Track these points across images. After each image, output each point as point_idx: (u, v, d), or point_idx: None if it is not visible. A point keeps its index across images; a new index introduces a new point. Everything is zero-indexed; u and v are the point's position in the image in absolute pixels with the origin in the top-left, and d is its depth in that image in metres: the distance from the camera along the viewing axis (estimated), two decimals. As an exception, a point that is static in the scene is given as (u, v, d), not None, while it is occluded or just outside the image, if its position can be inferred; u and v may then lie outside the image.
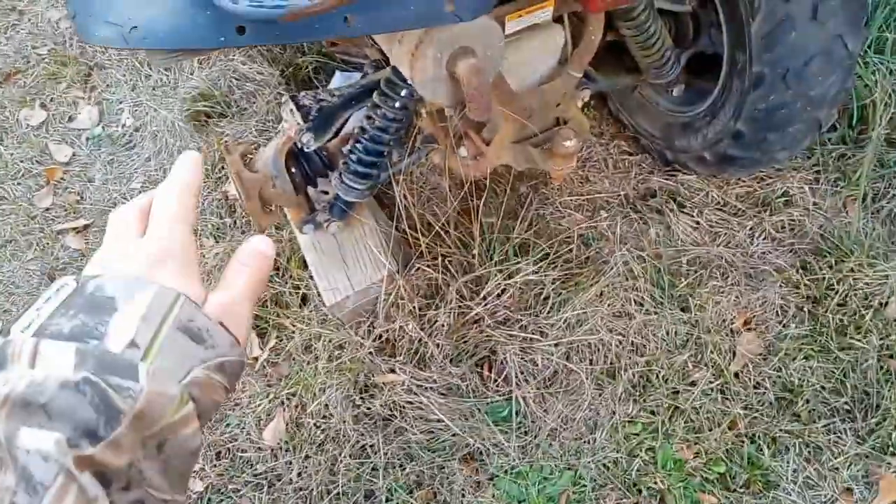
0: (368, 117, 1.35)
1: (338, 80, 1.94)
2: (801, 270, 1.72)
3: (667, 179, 1.90)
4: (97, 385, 0.35)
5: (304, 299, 1.72)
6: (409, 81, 1.04)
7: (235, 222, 1.87)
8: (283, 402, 1.65)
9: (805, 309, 1.68)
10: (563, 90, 1.44)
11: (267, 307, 1.75)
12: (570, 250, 1.79)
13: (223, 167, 1.93)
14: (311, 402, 1.62)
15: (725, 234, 1.81)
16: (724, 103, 1.61)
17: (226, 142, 1.42)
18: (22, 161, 2.14)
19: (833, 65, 1.43)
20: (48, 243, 1.98)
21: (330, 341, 1.62)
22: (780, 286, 1.71)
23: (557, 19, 1.40)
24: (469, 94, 0.96)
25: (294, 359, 1.68)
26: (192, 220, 0.47)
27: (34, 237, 1.99)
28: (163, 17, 0.74)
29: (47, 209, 2.04)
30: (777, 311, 1.69)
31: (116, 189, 2.04)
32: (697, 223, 1.84)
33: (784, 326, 1.67)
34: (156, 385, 0.37)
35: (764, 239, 1.80)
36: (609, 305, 1.69)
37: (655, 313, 1.69)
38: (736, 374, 1.63)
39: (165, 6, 0.74)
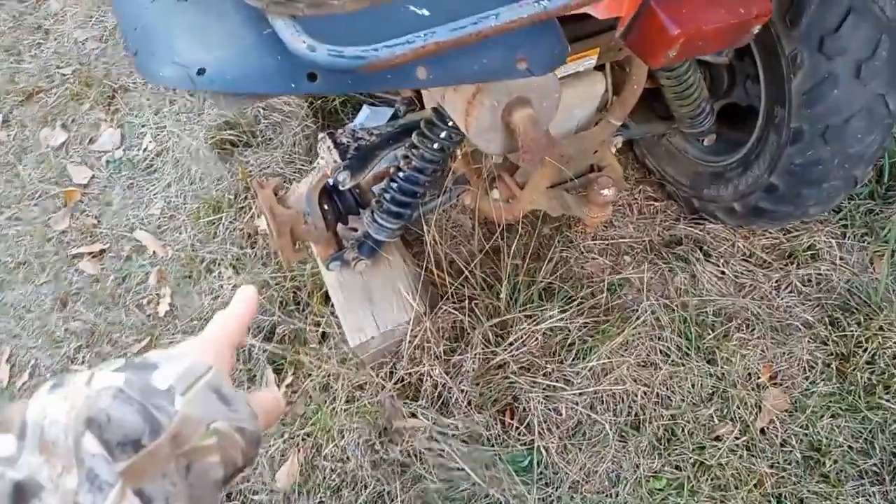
0: (405, 157, 1.33)
1: (364, 115, 1.93)
2: (829, 326, 1.70)
3: (692, 227, 1.89)
4: (142, 403, 0.40)
5: (324, 336, 1.68)
6: (458, 127, 1.02)
7: (256, 253, 1.84)
8: (297, 444, 1.60)
9: (833, 366, 1.65)
10: (601, 138, 1.43)
11: (285, 343, 1.72)
12: (595, 296, 1.76)
13: (246, 197, 1.91)
14: (326, 443, 1.58)
15: (751, 285, 1.79)
16: (759, 156, 1.60)
17: (259, 178, 1.40)
18: (40, 182, 2.11)
19: (874, 123, 1.42)
20: (62, 267, 1.95)
21: (349, 381, 1.58)
22: (808, 341, 1.69)
23: (599, 67, 1.40)
24: (525, 144, 0.95)
25: (311, 398, 1.64)
26: (236, 342, 0.55)
27: (48, 260, 1.96)
28: (232, 60, 0.72)
29: (63, 232, 2.01)
30: (804, 367, 1.67)
31: (135, 214, 2.02)
32: (723, 273, 1.82)
33: (811, 383, 1.64)
34: (189, 410, 0.42)
35: (790, 292, 1.78)
36: (635, 355, 1.66)
37: (682, 364, 1.66)
38: (762, 431, 1.60)
39: (234, 49, 0.72)
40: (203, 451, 0.43)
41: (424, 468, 1.51)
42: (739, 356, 1.67)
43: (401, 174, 1.35)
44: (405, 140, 1.35)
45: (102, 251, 1.97)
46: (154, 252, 1.95)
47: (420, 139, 1.30)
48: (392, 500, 1.51)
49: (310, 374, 1.65)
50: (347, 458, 1.55)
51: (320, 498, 1.54)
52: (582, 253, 1.89)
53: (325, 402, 1.62)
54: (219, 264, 1.88)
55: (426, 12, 0.75)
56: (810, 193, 1.56)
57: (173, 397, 0.42)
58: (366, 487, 1.52)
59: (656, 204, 1.98)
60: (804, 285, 1.78)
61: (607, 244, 1.91)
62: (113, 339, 1.81)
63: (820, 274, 1.79)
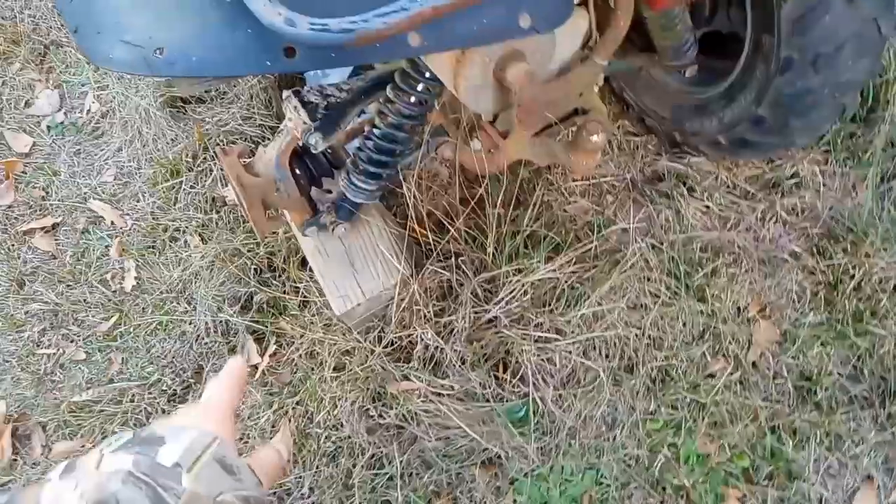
0: (380, 113, 1.23)
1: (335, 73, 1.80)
2: (815, 255, 1.69)
3: (675, 162, 1.84)
4: (150, 483, 0.42)
5: (305, 303, 1.61)
6: (436, 78, 0.93)
7: (222, 218, 1.74)
8: (287, 412, 1.56)
9: (820, 295, 1.65)
10: (587, 79, 1.34)
11: (264, 312, 1.64)
12: (581, 240, 1.71)
13: (206, 158, 1.78)
14: (318, 411, 1.53)
15: (736, 218, 1.76)
16: (745, 87, 1.53)
17: (221, 143, 1.28)
18: (-24, 153, 1.95)
19: (865, 49, 1.36)
20: (13, 245, 1.82)
21: (336, 348, 1.53)
22: (796, 272, 1.68)
23: (582, 2, 1.30)
24: (522, 101, 0.86)
25: (297, 366, 1.58)
26: (236, 405, 0.59)
27: (-4, 239, 1.83)
28: (194, 38, 0.62)
29: (9, 207, 1.87)
30: (793, 298, 1.66)
31: (86, 182, 1.88)
32: (707, 207, 1.78)
33: (800, 314, 1.64)
34: (195, 487, 0.44)
35: (776, 223, 1.76)
36: (626, 299, 1.63)
37: (672, 304, 1.64)
38: (754, 364, 1.60)
39: (196, 23, 0.62)
40: None
41: (421, 429, 1.49)
42: (729, 292, 1.66)
43: (376, 132, 1.26)
44: (379, 94, 1.25)
45: (55, 225, 1.84)
46: (112, 223, 1.83)
47: (395, 93, 1.20)
48: (390, 462, 1.49)
49: (292, 342, 1.59)
50: (342, 424, 1.51)
51: (317, 465, 1.51)
52: (564, 195, 1.83)
53: (313, 369, 1.57)
54: (183, 232, 1.77)
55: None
56: (798, 124, 1.50)
57: (180, 475, 0.44)
58: (363, 453, 1.50)
59: (636, 139, 1.91)
60: (789, 215, 1.76)
61: (589, 184, 1.85)
62: (79, 319, 1.71)
63: (805, 203, 1.77)
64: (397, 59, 1.05)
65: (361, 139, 1.29)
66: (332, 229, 1.41)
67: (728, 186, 1.81)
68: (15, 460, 1.57)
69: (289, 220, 1.48)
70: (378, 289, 1.40)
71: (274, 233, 1.61)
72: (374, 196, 1.37)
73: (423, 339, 1.43)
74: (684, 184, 1.81)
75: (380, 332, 1.49)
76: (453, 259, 1.50)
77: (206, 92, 1.76)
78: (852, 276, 1.64)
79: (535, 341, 1.56)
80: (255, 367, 1.59)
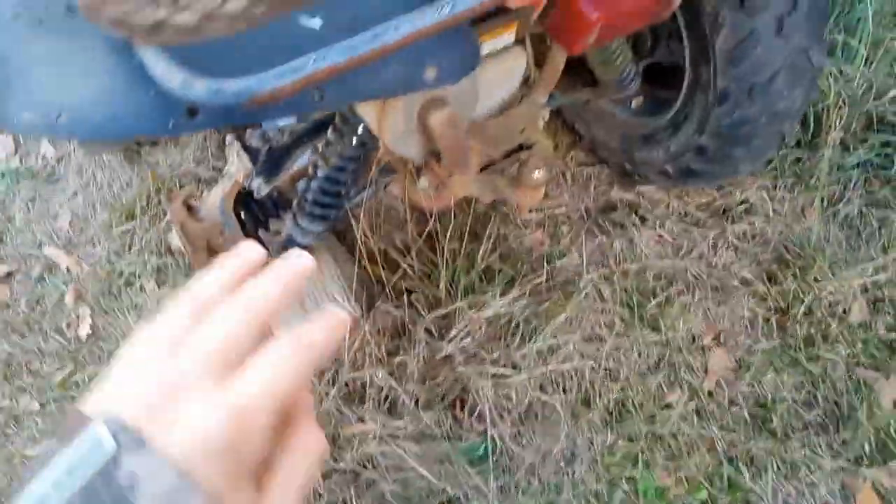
0: (323, 156, 1.24)
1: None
2: (766, 281, 1.71)
3: (627, 192, 1.86)
4: None
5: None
6: (374, 132, 0.95)
7: (178, 262, 1.73)
8: (243, 458, 1.53)
9: (772, 321, 1.67)
10: (528, 116, 1.36)
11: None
12: (535, 272, 1.73)
13: (159, 201, 1.78)
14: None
15: (689, 246, 1.79)
16: (687, 117, 1.57)
17: (168, 188, 1.29)
18: (-72, 203, 1.93)
19: (798, 78, 1.40)
20: (-34, 295, 1.80)
21: (291, 390, 1.51)
22: (747, 298, 1.70)
23: (520, 40, 1.32)
24: (445, 148, 0.88)
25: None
26: (297, 386, 0.35)
27: (-51, 289, 1.81)
28: (96, 100, 0.62)
29: (-38, 256, 1.85)
30: (746, 325, 1.68)
31: (41, 229, 1.87)
32: (660, 236, 1.81)
33: (753, 340, 1.66)
34: None
35: (728, 249, 1.78)
36: (580, 331, 1.64)
37: (626, 335, 1.65)
38: (710, 393, 1.61)
39: (98, 86, 0.63)
40: None
41: (378, 472, 1.47)
42: (682, 320, 1.67)
43: (319, 174, 1.26)
44: (321, 137, 1.26)
45: (10, 273, 1.82)
46: (68, 269, 1.81)
47: (336, 136, 1.21)
48: (347, 507, 1.47)
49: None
50: (296, 469, 1.49)
51: (273, 513, 1.49)
52: (519, 227, 1.84)
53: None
54: (139, 277, 1.76)
55: (318, 22, 0.67)
56: (740, 152, 1.54)
57: None
58: (320, 496, 1.47)
59: (589, 170, 1.94)
60: (740, 241, 1.79)
61: (544, 215, 1.87)
62: (32, 370, 1.69)
63: (755, 228, 1.79)
64: (308, 113, 1.06)
65: (306, 181, 1.30)
66: (282, 271, 1.41)
67: (680, 214, 1.84)
68: (-36, 517, 1.53)
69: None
70: (328, 330, 1.40)
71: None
72: (321, 238, 1.37)
73: (375, 382, 1.43)
74: (636, 213, 1.84)
75: (334, 373, 1.48)
76: (405, 296, 1.50)
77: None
78: (802, 301, 1.66)
79: (492, 377, 1.56)
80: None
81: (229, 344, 0.34)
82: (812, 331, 1.64)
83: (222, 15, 0.60)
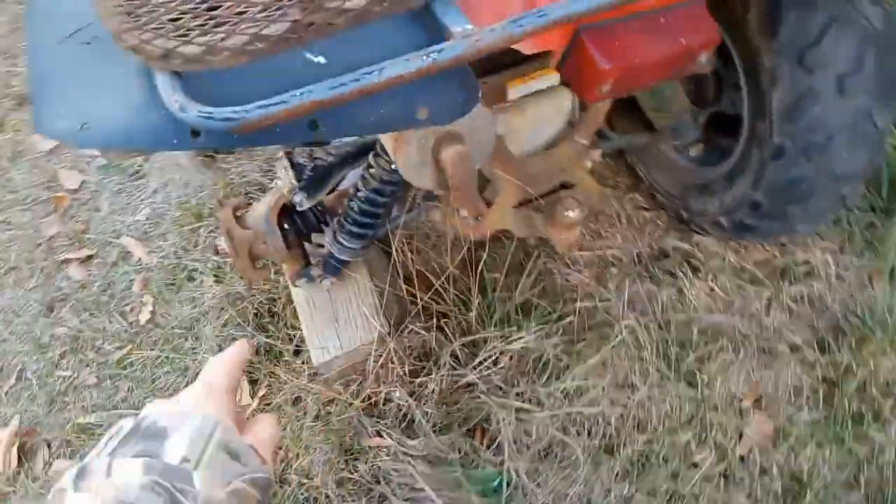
0: (363, 178, 1.30)
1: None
2: (818, 350, 1.63)
3: (682, 240, 1.82)
4: (167, 487, 0.43)
5: (298, 351, 1.67)
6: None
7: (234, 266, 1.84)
8: (269, 457, 1.60)
9: (820, 392, 1.58)
10: (567, 156, 1.37)
11: (261, 354, 1.71)
12: (576, 313, 1.72)
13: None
14: (296, 457, 1.57)
15: (740, 303, 1.73)
16: (743, 170, 1.53)
17: (222, 197, 1.38)
18: (32, 186, 2.14)
19: (860, 140, 1.34)
20: (51, 272, 1.97)
21: (319, 397, 1.57)
22: (796, 365, 1.62)
23: (565, 82, 1.34)
24: (453, 183, 0.91)
25: (283, 411, 1.64)
26: (234, 387, 0.59)
27: (37, 265, 1.99)
28: (116, 115, 0.70)
29: (52, 237, 2.03)
30: (790, 392, 1.60)
31: (121, 220, 2.03)
32: (712, 289, 1.75)
33: (796, 409, 1.58)
34: (208, 490, 0.45)
35: (782, 311, 1.71)
36: (612, 376, 1.62)
37: (660, 386, 1.61)
38: (742, 458, 1.54)
39: (119, 103, 0.70)
40: None
41: (390, 488, 1.50)
42: (722, 378, 1.61)
43: (360, 195, 1.32)
44: (363, 159, 1.32)
45: (90, 257, 1.99)
46: (139, 259, 1.96)
47: (376, 160, 1.27)
48: (358, 519, 1.50)
49: (282, 388, 1.65)
50: (316, 474, 1.54)
51: (288, 513, 1.55)
52: (567, 265, 1.84)
53: (297, 416, 1.62)
54: (200, 273, 1.88)
55: (322, 60, 0.72)
56: (795, 211, 1.48)
57: (191, 475, 0.45)
58: (331, 501, 1.52)
59: (646, 214, 1.91)
60: (796, 304, 1.71)
61: (594, 255, 1.86)
62: (96, 347, 1.83)
63: (813, 292, 1.71)
64: (303, 143, 1.12)
65: (348, 200, 1.36)
66: (320, 282, 1.48)
67: (735, 269, 1.78)
68: (18, 473, 1.67)
69: (284, 270, 1.56)
70: (356, 343, 1.45)
71: (277, 274, 1.69)
72: (358, 255, 1.43)
73: (394, 399, 1.46)
74: (689, 263, 1.79)
75: (358, 385, 1.53)
76: (435, 320, 1.53)
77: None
78: (855, 375, 1.57)
79: (515, 410, 1.56)
80: (246, 407, 1.65)
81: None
82: (862, 408, 1.55)
83: (224, 49, 0.66)
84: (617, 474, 1.53)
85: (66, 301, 1.92)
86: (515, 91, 1.26)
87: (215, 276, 1.87)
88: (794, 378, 1.60)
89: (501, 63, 1.17)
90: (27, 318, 1.91)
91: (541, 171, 1.37)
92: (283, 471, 1.59)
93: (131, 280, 1.93)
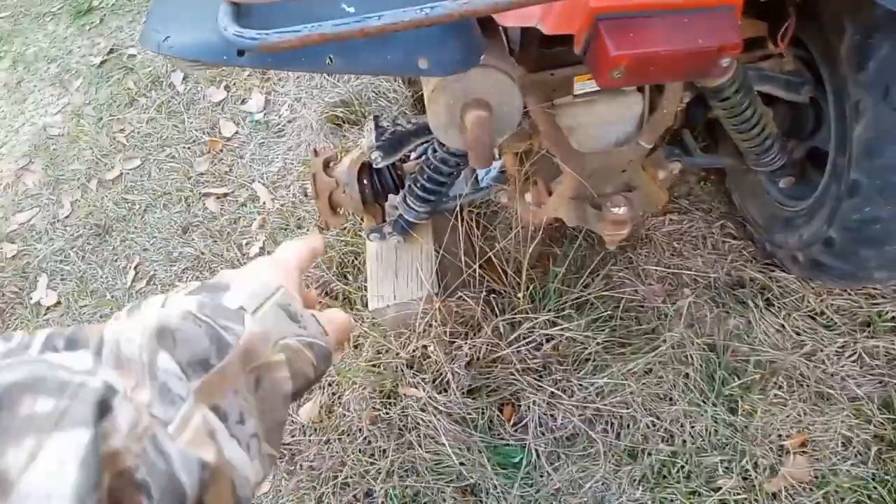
0: (433, 148, 1.45)
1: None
2: (881, 406, 1.53)
3: (761, 272, 1.78)
4: (210, 324, 0.42)
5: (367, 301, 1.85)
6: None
7: (336, 218, 2.06)
8: (322, 387, 1.79)
9: (872, 450, 1.49)
10: (628, 157, 1.43)
11: (337, 298, 1.91)
12: (635, 318, 1.74)
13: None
14: (346, 393, 1.75)
15: (810, 345, 1.66)
16: (822, 205, 1.49)
17: (316, 147, 1.59)
18: (197, 130, 2.52)
19: (943, 188, 1.28)
20: (193, 202, 2.32)
21: (374, 343, 1.74)
22: (851, 416, 1.53)
23: (639, 87, 1.40)
24: (469, 143, 1.03)
25: (345, 350, 1.82)
26: (304, 266, 0.57)
27: (184, 194, 2.35)
28: (191, 34, 0.90)
29: (201, 174, 2.38)
30: (840, 442, 1.52)
31: (258, 168, 2.34)
32: (782, 326, 1.70)
33: (842, 460, 1.50)
34: (257, 329, 0.44)
35: (853, 361, 1.62)
36: (652, 384, 1.63)
37: (698, 406, 1.59)
38: (773, 496, 1.50)
39: (194, 24, 0.90)
40: (272, 366, 0.44)
41: (416, 437, 1.62)
42: (768, 413, 1.57)
43: (428, 163, 1.47)
44: (437, 132, 1.46)
45: (226, 194, 2.32)
46: (264, 203, 2.25)
47: (446, 132, 1.41)
48: (384, 456, 1.64)
49: (348, 332, 1.83)
50: (355, 409, 1.71)
51: (328, 437, 1.72)
52: (638, 275, 1.86)
53: (354, 357, 1.79)
54: (308, 222, 2.12)
55: (352, 10, 0.88)
56: (869, 254, 1.42)
57: (242, 317, 0.44)
58: (364, 439, 1.67)
59: (733, 242, 1.88)
60: (870, 357, 1.61)
61: (669, 272, 1.86)
62: (212, 268, 2.14)
63: (893, 349, 1.61)
64: (319, 72, 1.26)
65: (419, 167, 1.51)
66: (389, 239, 1.64)
67: (812, 311, 1.71)
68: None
69: (363, 225, 1.74)
70: (407, 298, 1.60)
71: (356, 237, 1.88)
72: (422, 217, 1.57)
73: (431, 354, 1.59)
74: (764, 296, 1.75)
75: (406, 339, 1.67)
76: (485, 293, 1.64)
77: (351, 115, 2.15)
78: (916, 441, 1.46)
79: (549, 395, 1.62)
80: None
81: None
82: (916, 475, 1.44)
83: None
84: (635, 479, 1.55)
85: (199, 227, 2.25)
86: (581, 86, 1.35)
87: (319, 227, 2.10)
88: (847, 429, 1.52)
89: (573, 60, 1.26)
90: (166, 234, 2.27)
91: (600, 168, 1.44)
92: (332, 403, 1.77)
93: (253, 219, 2.22)
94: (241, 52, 0.87)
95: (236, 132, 2.47)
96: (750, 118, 1.46)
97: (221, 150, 2.44)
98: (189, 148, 2.48)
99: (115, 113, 2.71)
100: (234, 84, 2.61)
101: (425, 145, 1.50)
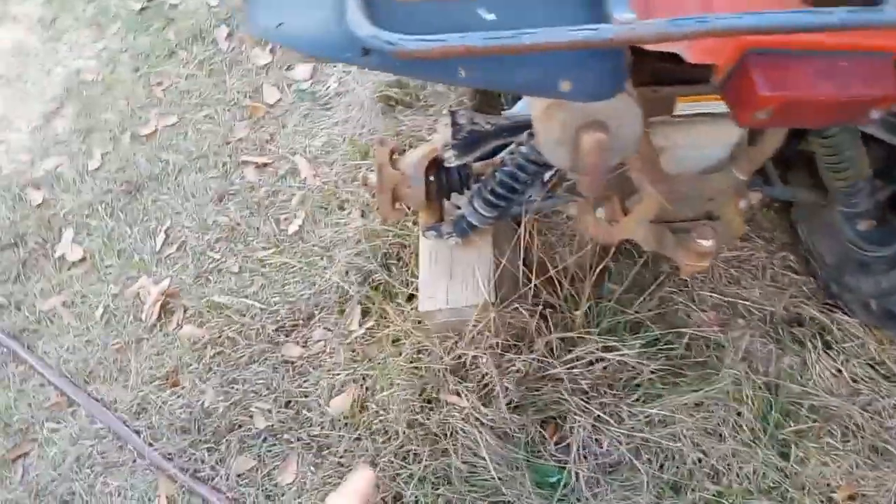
0: (512, 153, 1.36)
1: (521, 106, 1.97)
2: (940, 469, 1.48)
3: (821, 312, 1.71)
4: None
5: (411, 297, 1.78)
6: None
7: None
8: (356, 380, 1.73)
9: (927, 512, 1.44)
10: (720, 186, 1.35)
11: (378, 290, 1.84)
12: (688, 347, 1.68)
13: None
14: (381, 390, 1.69)
15: (867, 394, 1.60)
16: (907, 256, 1.42)
17: (382, 137, 1.51)
18: (238, 93, 2.42)
19: None
20: (230, 169, 2.23)
21: (416, 343, 1.67)
22: (907, 475, 1.48)
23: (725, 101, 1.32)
24: (586, 168, 0.95)
25: (383, 346, 1.76)
26: None
27: (221, 159, 2.26)
28: (307, 25, 0.81)
29: (241, 139, 2.29)
30: (892, 500, 1.47)
31: (300, 141, 2.24)
32: (839, 371, 1.64)
33: (893, 520, 1.45)
34: None
35: (913, 416, 1.57)
36: (703, 420, 1.57)
37: (749, 446, 1.54)
38: (817, 547, 1.45)
39: (313, 17, 0.82)
40: None
41: (453, 446, 1.57)
42: (820, 462, 1.52)
43: (504, 168, 1.39)
44: (517, 136, 1.38)
45: (265, 164, 2.23)
46: (305, 178, 2.16)
47: (529, 138, 1.32)
48: (418, 461, 1.59)
49: (388, 326, 1.76)
50: (391, 409, 1.65)
51: (359, 434, 1.67)
52: (692, 301, 1.79)
53: (393, 354, 1.73)
54: (350, 204, 2.04)
55: (493, 17, 0.79)
56: (954, 314, 1.36)
57: None
58: (399, 441, 1.61)
59: (793, 276, 1.81)
60: (932, 415, 1.56)
61: (724, 301, 1.80)
62: (246, 241, 2.06)
63: (958, 409, 1.55)
64: (451, 83, 1.18)
65: (493, 170, 1.43)
66: (446, 239, 1.57)
67: (872, 359, 1.65)
68: (155, 325, 1.94)
69: (420, 220, 1.67)
70: (461, 303, 1.53)
71: (406, 228, 1.80)
72: (487, 222, 1.50)
73: (479, 365, 1.53)
74: (822, 337, 1.68)
75: (454, 343, 1.61)
76: (541, 307, 1.57)
77: (406, 96, 2.05)
78: (975, 509, 1.41)
79: (594, 417, 1.57)
80: (351, 332, 1.79)
81: None
82: (970, 545, 1.39)
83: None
84: (676, 515, 1.50)
85: (235, 196, 2.17)
86: (683, 107, 1.26)
87: (362, 211, 2.02)
88: (901, 488, 1.47)
89: (678, 78, 1.18)
90: (201, 200, 2.18)
91: (688, 192, 1.36)
92: (365, 398, 1.71)
93: (293, 194, 2.13)
94: (366, 51, 0.78)
95: (280, 99, 2.37)
96: (846, 158, 1.38)
97: (263, 117, 2.34)
98: (229, 111, 2.38)
99: (154, 64, 2.59)
100: (281, 48, 2.50)
101: (502, 148, 1.42)
